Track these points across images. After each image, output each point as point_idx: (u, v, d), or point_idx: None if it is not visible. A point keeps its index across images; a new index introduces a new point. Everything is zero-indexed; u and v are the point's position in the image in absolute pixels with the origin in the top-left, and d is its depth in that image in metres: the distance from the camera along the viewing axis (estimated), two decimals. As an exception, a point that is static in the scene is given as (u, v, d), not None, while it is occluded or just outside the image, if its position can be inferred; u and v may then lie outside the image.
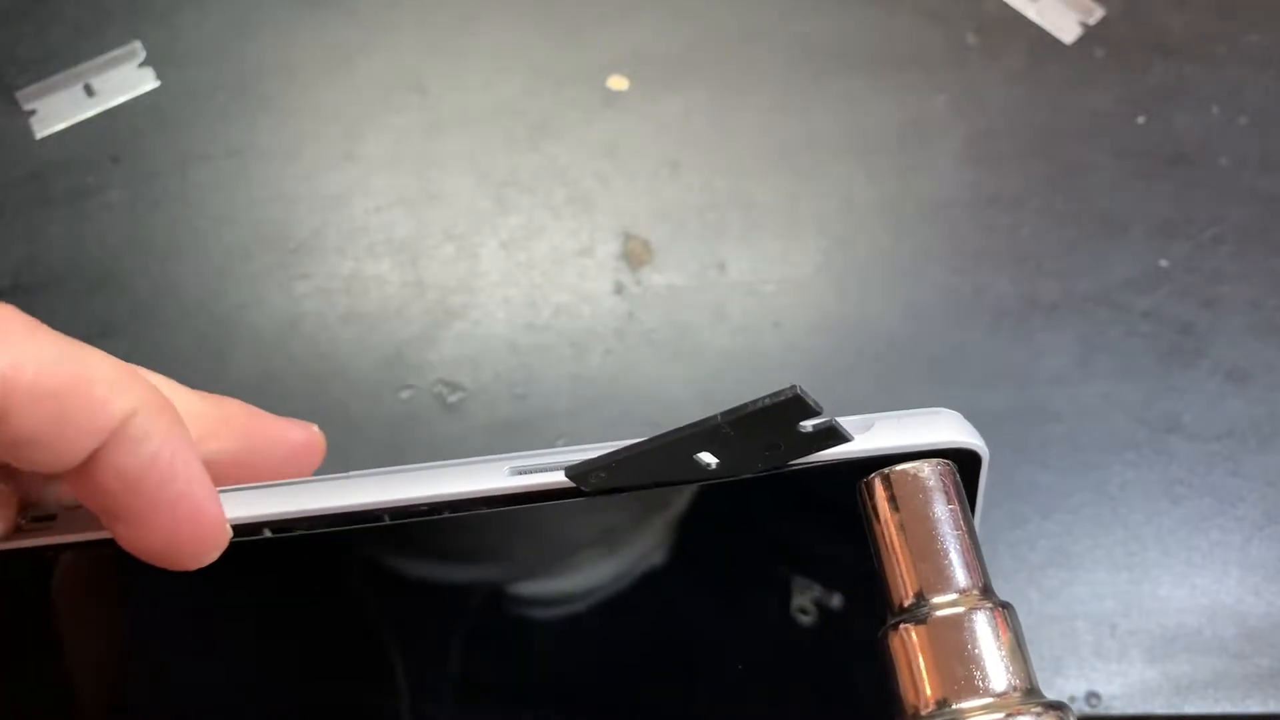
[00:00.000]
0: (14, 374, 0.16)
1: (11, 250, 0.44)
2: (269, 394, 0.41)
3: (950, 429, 0.20)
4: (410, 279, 0.43)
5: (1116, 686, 0.37)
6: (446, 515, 0.21)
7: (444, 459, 0.22)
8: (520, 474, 0.21)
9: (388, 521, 0.21)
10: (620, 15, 0.49)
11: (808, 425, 0.19)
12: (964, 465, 0.20)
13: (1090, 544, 0.39)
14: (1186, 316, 0.43)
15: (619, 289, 0.43)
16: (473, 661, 0.24)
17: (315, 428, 0.23)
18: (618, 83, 0.48)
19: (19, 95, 0.47)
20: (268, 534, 0.21)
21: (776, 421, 0.19)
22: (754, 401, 0.18)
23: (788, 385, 0.18)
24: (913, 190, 0.45)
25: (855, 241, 0.44)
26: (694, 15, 0.49)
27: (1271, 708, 0.37)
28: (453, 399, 0.41)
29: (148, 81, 0.47)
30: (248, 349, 0.42)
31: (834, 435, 0.19)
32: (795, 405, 0.18)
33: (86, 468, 0.17)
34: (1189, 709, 0.37)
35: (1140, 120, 0.47)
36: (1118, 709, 0.37)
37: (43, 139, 0.46)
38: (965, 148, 0.46)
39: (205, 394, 0.21)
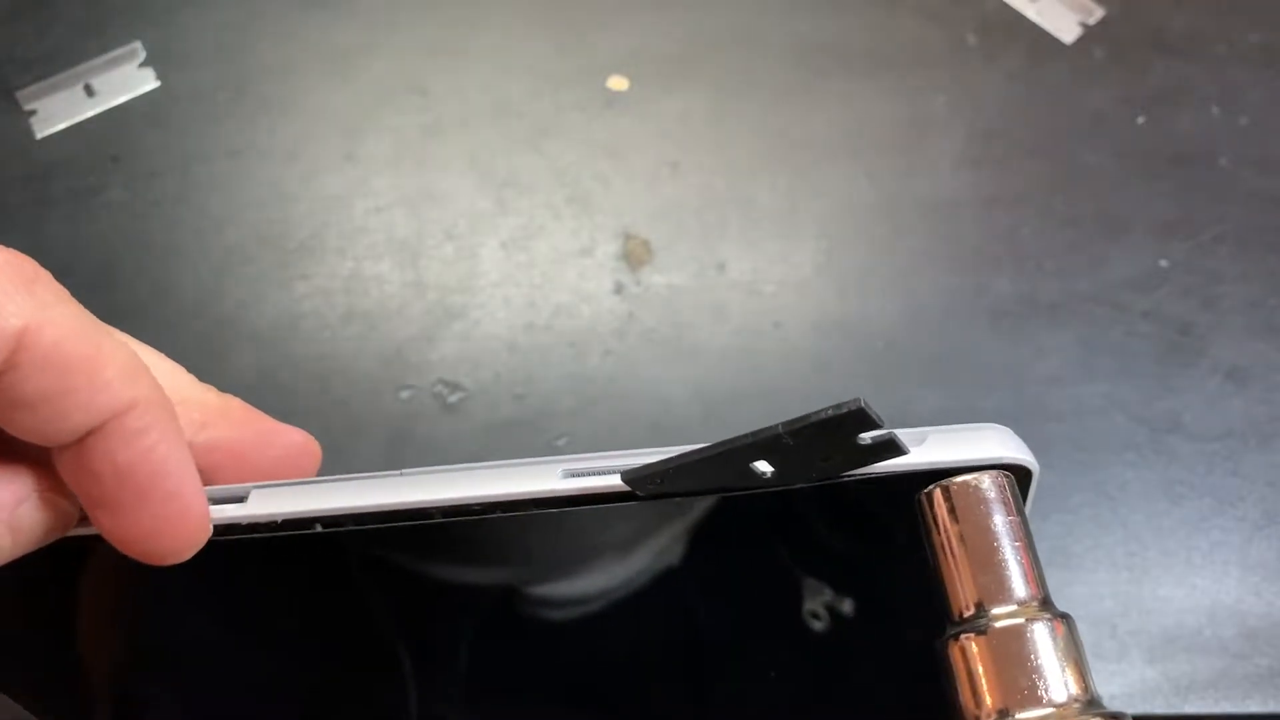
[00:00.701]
0: (33, 334, 0.16)
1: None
2: (269, 394, 0.41)
3: (1002, 444, 0.20)
4: (410, 279, 0.43)
5: (1116, 686, 0.37)
6: (497, 515, 0.21)
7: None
8: (573, 476, 0.21)
9: (439, 520, 0.21)
10: (620, 15, 0.49)
11: (867, 437, 0.19)
12: (1015, 480, 0.20)
13: (1090, 544, 0.39)
14: (1186, 316, 0.43)
15: (619, 289, 0.43)
16: (514, 659, 0.24)
17: (311, 436, 0.23)
18: (618, 83, 0.48)
19: (19, 95, 0.47)
20: (319, 529, 0.21)
21: (837, 433, 0.19)
22: (817, 412, 0.18)
23: (852, 398, 0.18)
24: (913, 190, 0.45)
25: (855, 241, 0.44)
26: (694, 16, 0.49)
27: (1271, 708, 0.37)
28: (453, 399, 0.41)
29: (148, 82, 0.47)
30: (248, 349, 0.42)
31: (891, 448, 0.19)
32: (858, 418, 0.18)
33: (80, 450, 0.17)
34: (1189, 709, 0.37)
35: (1140, 120, 0.47)
36: (1117, 709, 0.37)
37: (43, 139, 0.46)
38: (965, 148, 0.46)
39: (208, 386, 0.22)
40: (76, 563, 0.21)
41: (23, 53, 0.48)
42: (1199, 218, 0.45)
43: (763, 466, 0.20)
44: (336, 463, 0.40)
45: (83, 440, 0.17)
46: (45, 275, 0.17)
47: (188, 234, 0.44)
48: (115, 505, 0.18)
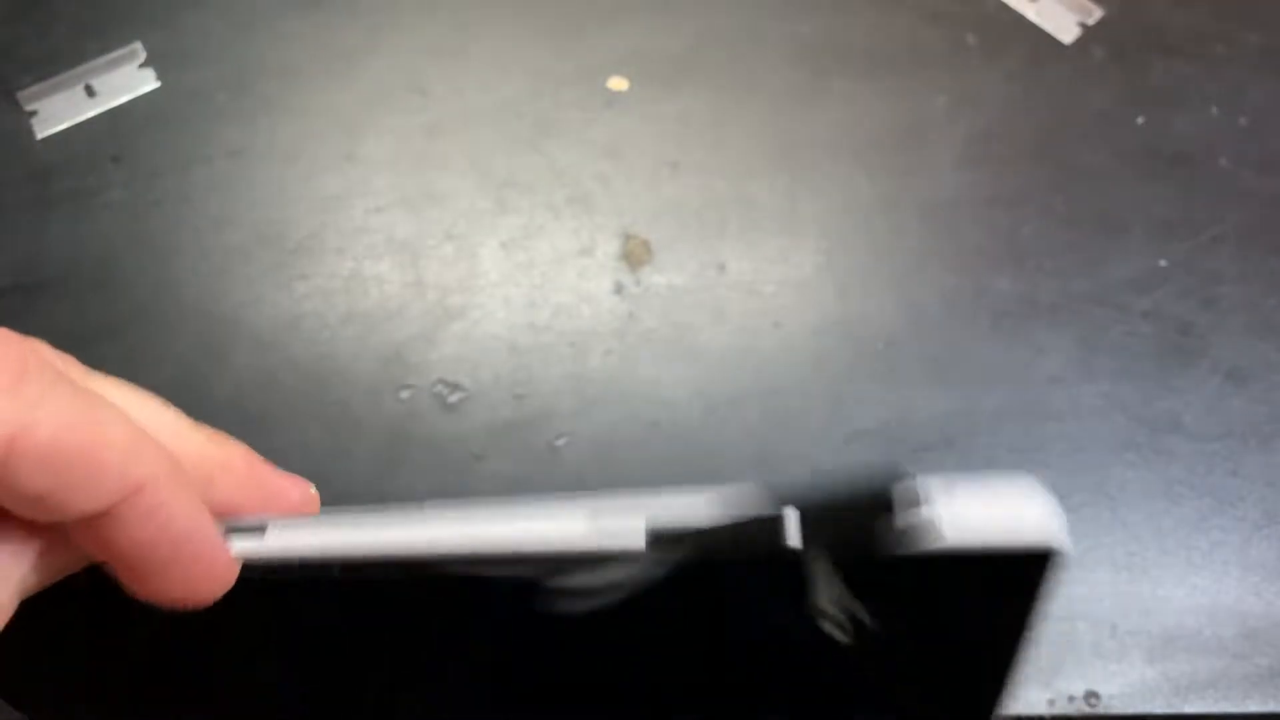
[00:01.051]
0: (24, 438, 0.16)
1: (11, 250, 0.44)
2: (269, 394, 0.41)
3: (1033, 521, 0.20)
4: (410, 279, 0.43)
5: (1116, 686, 0.37)
6: (517, 567, 0.21)
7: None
8: (599, 534, 0.20)
9: (456, 571, 0.21)
10: (620, 16, 0.49)
11: (901, 519, 0.19)
12: (1042, 562, 0.20)
13: (1090, 544, 0.39)
14: (1186, 316, 0.43)
15: (619, 289, 0.43)
16: (528, 683, 0.24)
17: (311, 487, 0.23)
18: (618, 83, 0.48)
19: (20, 95, 0.47)
20: (336, 572, 0.21)
21: (867, 513, 0.19)
22: (851, 488, 0.19)
23: (895, 474, 0.18)
24: (913, 190, 0.45)
25: (855, 241, 0.44)
26: (694, 16, 0.49)
27: (1271, 708, 0.36)
28: (453, 399, 0.41)
29: (148, 82, 0.47)
30: (248, 349, 0.42)
31: (929, 533, 0.19)
32: (890, 500, 0.18)
33: (95, 527, 0.17)
34: (1189, 709, 0.37)
35: (1140, 120, 0.47)
36: (1117, 709, 0.36)
37: (44, 139, 0.46)
38: (965, 148, 0.46)
39: (208, 431, 0.21)
40: (84, 591, 0.21)
41: (23, 53, 0.48)
42: (1199, 218, 0.45)
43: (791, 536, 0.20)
44: (336, 462, 0.40)
45: (96, 520, 0.17)
46: (35, 363, 0.16)
47: (188, 234, 0.44)
48: (141, 574, 0.18)
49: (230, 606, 0.21)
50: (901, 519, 0.19)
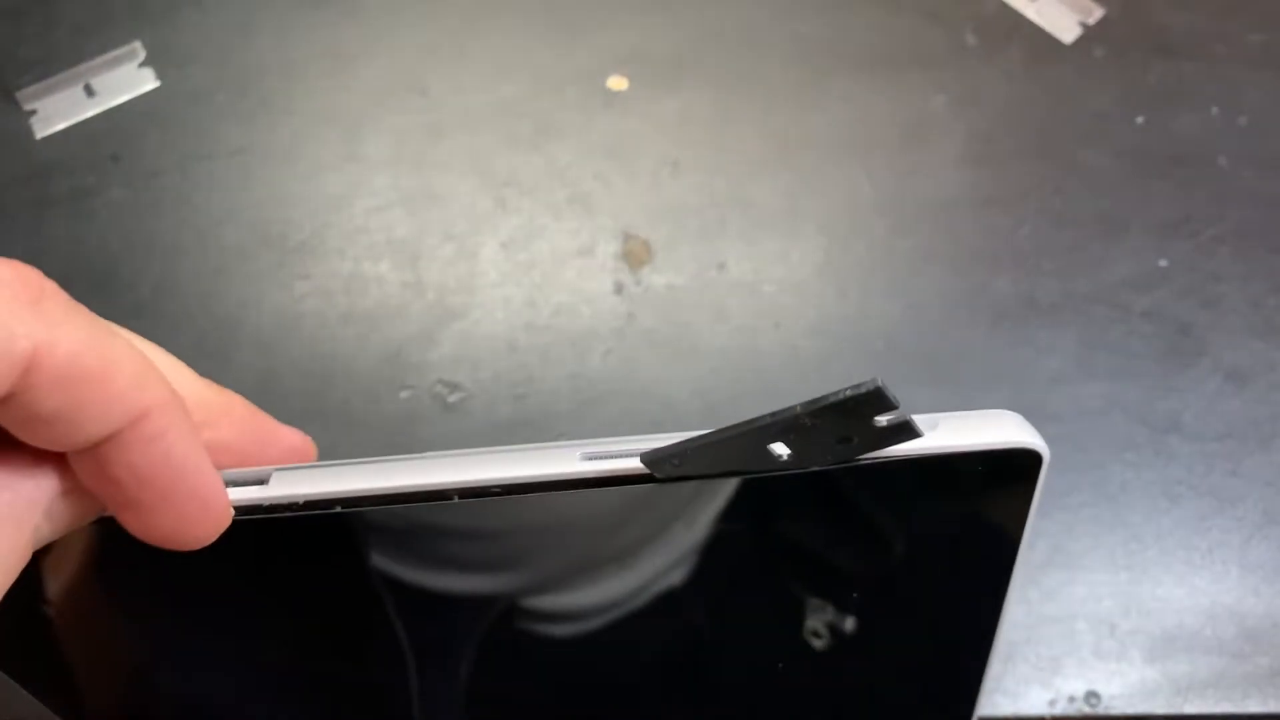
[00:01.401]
0: (44, 353, 0.16)
1: (12, 250, 0.44)
2: (269, 394, 0.41)
3: (1016, 429, 0.21)
4: (410, 279, 0.43)
5: (1116, 686, 0.37)
6: (514, 496, 0.21)
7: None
8: (592, 459, 0.21)
9: (456, 501, 0.21)
10: (620, 15, 0.49)
11: (883, 420, 0.19)
12: (1026, 465, 0.21)
13: (1090, 544, 0.39)
14: (1186, 316, 0.43)
15: (619, 289, 0.43)
16: (525, 642, 0.24)
17: (309, 437, 0.23)
18: (618, 83, 0.48)
19: (20, 95, 0.47)
20: (339, 509, 0.21)
21: (854, 414, 0.19)
22: (835, 393, 0.19)
23: (869, 379, 0.18)
24: (913, 190, 0.45)
25: (855, 241, 0.44)
26: (694, 16, 0.49)
27: (1271, 708, 0.37)
28: (453, 399, 0.41)
29: (148, 81, 0.47)
30: (248, 349, 0.42)
31: (906, 430, 0.20)
32: (875, 398, 0.19)
33: (96, 456, 0.18)
34: (1189, 709, 0.37)
35: (1140, 120, 0.47)
36: (1118, 709, 0.37)
37: (43, 139, 0.46)
38: (965, 148, 0.46)
39: (210, 382, 0.22)
40: (93, 546, 0.22)
41: (23, 53, 0.48)
42: (1199, 218, 0.45)
43: (780, 449, 0.20)
44: (336, 463, 0.40)
45: (99, 447, 0.17)
46: (51, 287, 0.17)
47: (188, 234, 0.44)
48: (137, 506, 0.18)
49: (225, 563, 0.21)
50: (887, 419, 0.19)
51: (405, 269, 0.44)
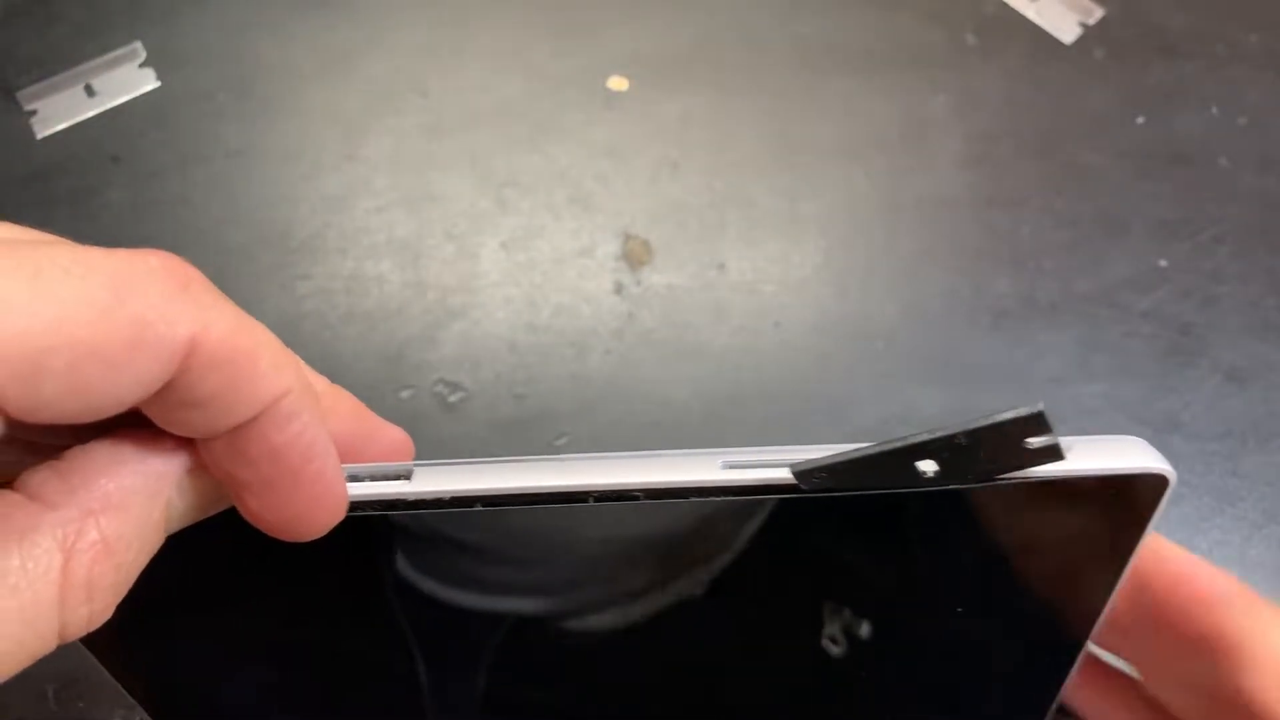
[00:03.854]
0: (201, 338, 0.16)
1: (12, 250, 0.44)
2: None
3: (1143, 455, 0.21)
4: (411, 279, 0.43)
5: (1116, 686, 0.37)
6: (649, 502, 0.21)
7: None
8: (734, 468, 0.21)
9: (592, 503, 0.21)
10: (620, 16, 0.49)
11: (1033, 442, 0.20)
12: (1153, 488, 0.21)
13: (1090, 544, 0.39)
14: (1186, 316, 0.43)
15: (619, 289, 0.43)
16: (666, 633, 0.24)
17: (409, 437, 0.24)
18: (618, 83, 0.48)
19: (20, 95, 0.47)
20: (479, 507, 0.21)
21: (1009, 436, 0.19)
22: (997, 413, 0.19)
23: (1031, 403, 0.19)
24: (913, 190, 0.45)
25: (855, 241, 0.44)
26: (694, 17, 0.49)
27: (1271, 707, 0.37)
28: (453, 399, 0.41)
29: (148, 82, 0.47)
30: (248, 349, 0.42)
31: (1053, 453, 0.20)
32: (1036, 421, 0.19)
33: (234, 438, 0.18)
34: (1189, 709, 0.37)
35: (1140, 120, 0.47)
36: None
37: (44, 139, 0.46)
38: (965, 148, 0.46)
39: (321, 375, 0.22)
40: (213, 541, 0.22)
41: (23, 53, 0.48)
42: (1199, 218, 0.45)
43: (927, 466, 0.20)
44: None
45: (238, 429, 0.18)
46: (195, 273, 0.17)
47: (188, 234, 0.44)
48: (265, 488, 0.19)
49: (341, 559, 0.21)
50: (1040, 442, 0.19)
51: (406, 269, 0.44)
